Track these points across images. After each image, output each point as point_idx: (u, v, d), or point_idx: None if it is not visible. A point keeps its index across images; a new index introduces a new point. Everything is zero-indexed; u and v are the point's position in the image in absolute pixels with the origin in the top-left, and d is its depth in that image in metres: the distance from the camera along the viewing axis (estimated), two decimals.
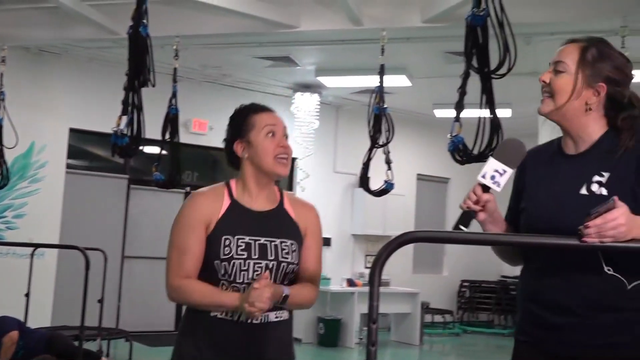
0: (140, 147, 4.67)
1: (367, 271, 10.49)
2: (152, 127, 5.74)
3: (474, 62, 3.62)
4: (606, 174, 1.83)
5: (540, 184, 1.95)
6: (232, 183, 2.31)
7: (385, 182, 6.20)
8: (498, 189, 1.87)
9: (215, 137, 9.19)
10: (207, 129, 9.20)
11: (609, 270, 1.79)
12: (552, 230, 1.77)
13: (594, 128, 1.92)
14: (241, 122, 2.30)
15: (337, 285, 9.25)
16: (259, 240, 2.21)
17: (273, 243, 2.23)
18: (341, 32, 6.46)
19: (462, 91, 3.70)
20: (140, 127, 4.36)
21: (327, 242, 10.03)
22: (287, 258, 2.23)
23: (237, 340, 2.18)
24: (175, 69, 6.27)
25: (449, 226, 11.64)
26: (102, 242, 7.23)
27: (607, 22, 5.68)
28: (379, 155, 6.27)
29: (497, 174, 1.85)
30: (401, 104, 9.66)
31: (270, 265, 2.20)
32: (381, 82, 5.90)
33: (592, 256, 1.80)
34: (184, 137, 7.12)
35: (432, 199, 11.69)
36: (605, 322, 1.80)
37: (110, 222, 8.55)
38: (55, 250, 7.97)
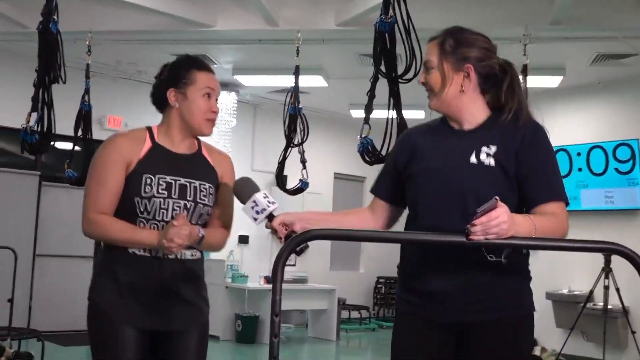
0: (52, 144, 4.60)
1: (285, 268, 10.59)
2: (65, 123, 5.65)
3: (383, 67, 3.77)
4: (493, 147, 2.00)
5: (432, 153, 2.10)
6: (154, 128, 2.38)
7: (301, 181, 6.30)
8: (268, 209, 2.06)
9: None
10: (122, 125, 9.06)
11: (491, 257, 1.94)
12: (445, 193, 1.98)
13: (474, 108, 2.08)
14: (183, 73, 2.34)
15: (254, 282, 9.30)
16: (179, 180, 2.31)
17: (192, 184, 2.33)
18: (257, 32, 6.53)
19: (372, 94, 3.84)
20: (50, 124, 4.30)
21: (245, 239, 10.06)
22: (204, 200, 2.34)
23: (154, 276, 2.27)
24: (87, 65, 6.18)
25: None
26: (12, 240, 7.02)
27: (510, 29, 5.97)
28: (296, 154, 6.37)
29: (253, 210, 2.06)
30: (318, 104, 9.81)
31: (189, 206, 2.30)
32: (296, 82, 5.99)
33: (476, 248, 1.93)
34: (99, 134, 6.98)
35: (348, 197, 11.89)
36: (482, 288, 1.96)
37: (21, 220, 8.30)
38: None
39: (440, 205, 2.01)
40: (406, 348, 2.10)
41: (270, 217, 2.05)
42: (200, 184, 2.34)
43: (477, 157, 2.00)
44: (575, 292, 8.59)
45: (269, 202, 2.05)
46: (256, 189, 2.08)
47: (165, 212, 2.26)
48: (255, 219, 2.06)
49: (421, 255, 2.04)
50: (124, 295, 2.25)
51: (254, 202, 2.04)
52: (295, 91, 5.93)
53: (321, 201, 10.82)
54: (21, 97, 5.44)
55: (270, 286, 8.97)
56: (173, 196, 2.28)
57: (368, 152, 4.07)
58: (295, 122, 5.92)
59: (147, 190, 2.24)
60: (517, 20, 5.81)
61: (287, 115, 5.92)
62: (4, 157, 8.65)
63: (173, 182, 2.29)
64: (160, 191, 2.25)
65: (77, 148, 6.18)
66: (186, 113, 2.32)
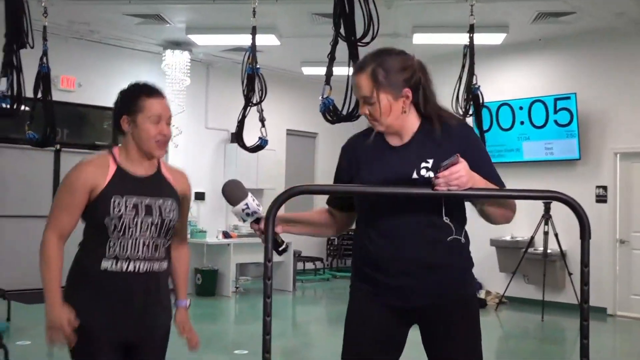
0: (23, 107, 4.67)
1: (241, 223, 10.83)
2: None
3: (342, 31, 3.98)
4: (430, 160, 2.20)
5: (373, 170, 2.26)
6: (115, 151, 2.53)
7: (260, 138, 6.49)
8: (258, 212, 2.18)
9: (84, 93, 9.07)
10: (75, 85, 9.04)
11: (446, 219, 2.20)
12: (392, 209, 2.17)
13: (410, 121, 2.26)
14: (132, 100, 2.49)
15: (213, 237, 9.52)
16: (145, 200, 2.48)
17: (157, 202, 2.51)
18: None
19: (332, 57, 4.05)
20: (20, 88, 4.38)
21: (201, 196, 10.24)
22: (169, 215, 2.53)
23: (125, 288, 2.45)
24: (44, 27, 6.18)
25: (318, 178, 12.19)
26: None
27: None
28: (251, 112, 6.53)
29: (244, 212, 2.18)
30: (271, 62, 9.94)
31: (156, 222, 2.49)
32: (253, 43, 6.10)
33: (434, 207, 2.20)
34: (53, 94, 7.01)
35: (301, 153, 12.14)
36: (433, 277, 2.21)
37: None
38: None
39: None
40: (360, 323, 2.32)
41: (257, 220, 2.20)
42: (164, 201, 2.53)
43: (418, 173, 2.18)
44: (517, 239, 9.10)
45: (257, 204, 2.20)
46: (246, 193, 2.21)
47: (134, 230, 2.45)
48: (245, 220, 2.22)
49: (377, 249, 2.25)
50: (95, 307, 2.43)
51: (246, 204, 2.18)
52: (252, 52, 6.06)
53: (275, 157, 11.05)
54: None
55: (228, 240, 9.22)
56: (141, 214, 2.46)
57: (330, 112, 4.31)
58: (253, 82, 6.07)
59: (116, 210, 2.42)
60: None
61: (245, 75, 6.06)
62: None
63: (139, 202, 2.47)
64: (128, 211, 2.44)
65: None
66: (137, 139, 2.48)
